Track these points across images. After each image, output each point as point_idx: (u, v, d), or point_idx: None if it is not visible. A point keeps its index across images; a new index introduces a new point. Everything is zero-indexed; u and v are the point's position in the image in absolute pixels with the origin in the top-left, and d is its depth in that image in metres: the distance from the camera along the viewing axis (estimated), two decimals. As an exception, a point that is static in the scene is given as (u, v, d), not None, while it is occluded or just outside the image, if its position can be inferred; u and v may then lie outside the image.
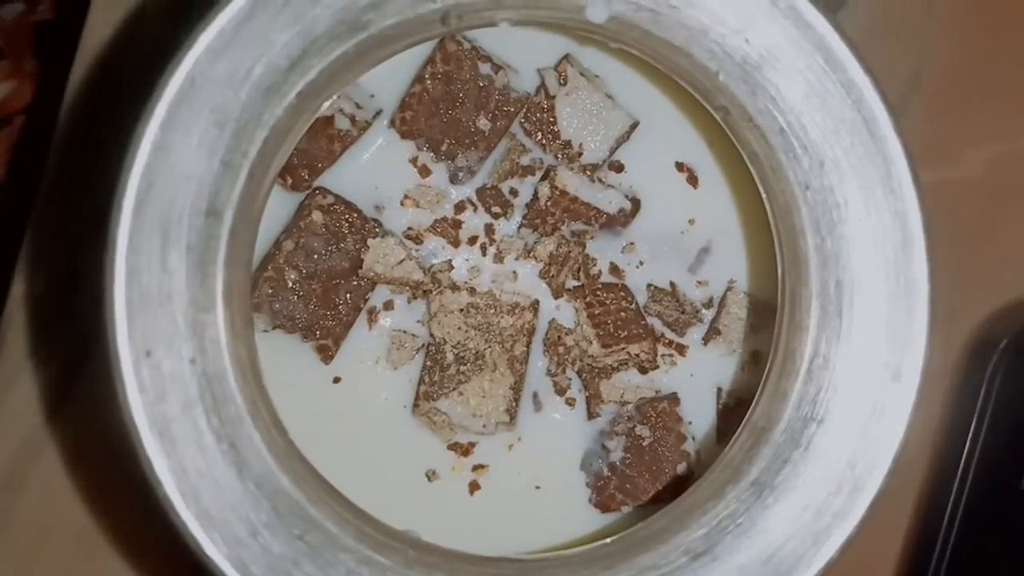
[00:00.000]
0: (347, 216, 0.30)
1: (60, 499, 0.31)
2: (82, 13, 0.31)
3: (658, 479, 0.30)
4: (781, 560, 0.26)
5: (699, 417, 0.31)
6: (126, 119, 0.25)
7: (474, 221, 0.31)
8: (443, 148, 0.30)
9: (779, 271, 0.28)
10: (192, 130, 0.25)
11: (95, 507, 0.31)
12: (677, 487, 0.30)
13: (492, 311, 0.30)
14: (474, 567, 0.27)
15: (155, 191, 0.25)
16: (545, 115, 0.30)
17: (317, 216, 0.30)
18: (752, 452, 0.26)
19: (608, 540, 0.27)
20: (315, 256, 0.30)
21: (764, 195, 0.28)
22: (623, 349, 0.30)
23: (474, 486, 0.30)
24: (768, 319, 0.29)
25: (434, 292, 0.30)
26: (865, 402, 0.26)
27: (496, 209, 0.31)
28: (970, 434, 0.31)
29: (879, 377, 0.26)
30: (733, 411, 0.30)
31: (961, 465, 0.31)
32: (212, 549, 0.25)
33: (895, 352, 0.26)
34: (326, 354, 0.30)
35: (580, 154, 0.31)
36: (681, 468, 0.30)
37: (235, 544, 0.25)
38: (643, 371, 0.31)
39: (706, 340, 0.31)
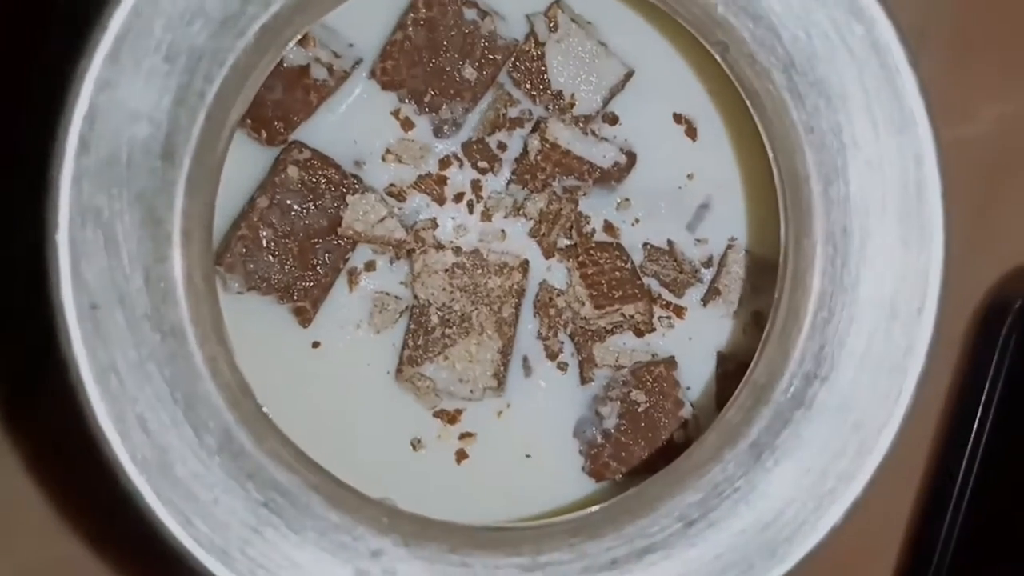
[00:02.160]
0: (325, 171, 0.29)
1: (25, 488, 0.30)
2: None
3: (654, 446, 0.29)
4: (782, 526, 0.25)
5: (697, 382, 0.30)
6: (58, 61, 0.24)
7: (460, 177, 0.30)
8: (426, 99, 0.29)
9: (782, 219, 0.27)
10: (139, 66, 0.23)
11: (65, 484, 0.30)
12: (673, 455, 0.29)
13: (479, 271, 0.29)
14: (453, 537, 0.25)
15: (100, 130, 0.23)
16: (534, 64, 0.29)
17: (293, 172, 0.29)
18: (752, 412, 0.25)
19: (595, 508, 0.26)
20: (291, 214, 0.29)
21: (766, 138, 0.26)
22: (618, 311, 0.29)
23: (461, 455, 0.30)
24: (771, 278, 0.28)
25: (418, 251, 0.29)
26: (873, 357, 0.25)
27: (483, 164, 0.30)
28: (983, 396, 0.31)
29: (888, 330, 0.25)
30: (733, 376, 0.29)
31: (975, 427, 0.30)
32: (166, 515, 0.23)
33: (906, 305, 0.25)
34: (304, 317, 0.29)
35: (572, 105, 0.30)
36: (678, 435, 0.29)
37: (193, 510, 0.24)
38: (639, 334, 0.30)
39: (705, 301, 0.30)
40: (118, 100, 0.23)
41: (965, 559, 0.30)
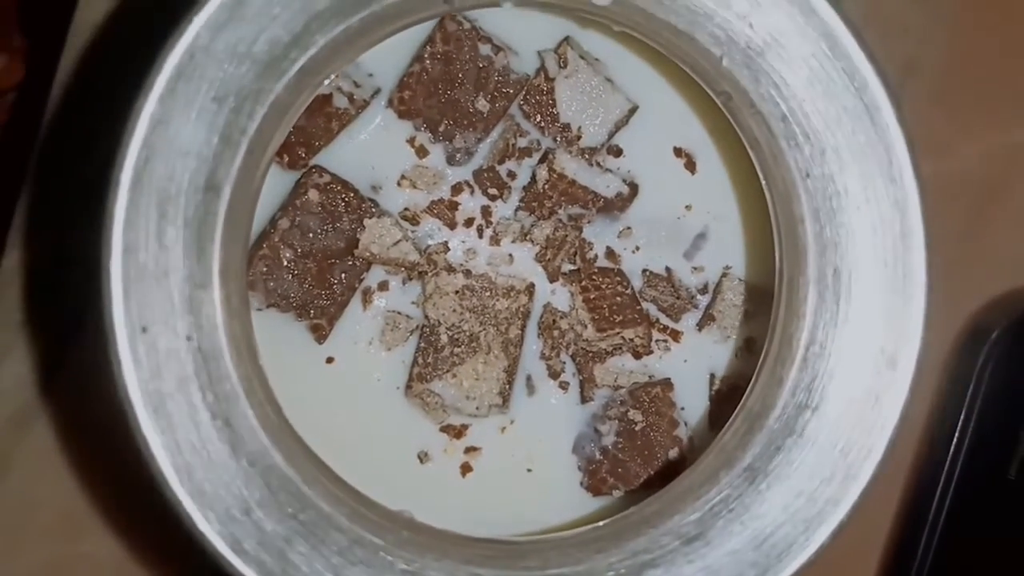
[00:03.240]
0: (343, 195, 0.30)
1: (49, 473, 0.31)
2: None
3: (650, 464, 0.30)
4: (773, 545, 0.26)
5: (692, 403, 0.31)
6: (118, 96, 0.25)
7: (471, 203, 0.31)
8: (441, 129, 0.30)
9: (777, 258, 0.28)
10: (191, 104, 0.25)
11: (85, 481, 0.31)
12: (668, 472, 0.30)
13: (487, 293, 0.30)
14: (466, 548, 0.27)
15: (153, 165, 0.25)
16: (544, 97, 0.30)
17: (313, 195, 0.30)
18: (746, 438, 0.27)
19: (601, 523, 0.27)
20: (311, 235, 0.30)
21: (764, 182, 0.28)
22: (618, 334, 0.30)
23: (466, 468, 0.31)
24: (763, 306, 0.29)
25: (430, 273, 0.30)
26: (860, 390, 0.27)
27: (493, 191, 0.31)
28: (960, 422, 0.31)
29: (874, 365, 0.26)
30: (726, 397, 0.30)
31: (951, 452, 0.31)
32: (205, 526, 0.25)
33: (891, 341, 0.26)
34: (320, 334, 0.30)
35: (579, 137, 0.31)
36: (673, 453, 0.30)
37: (228, 521, 0.25)
38: (637, 356, 0.31)
39: (700, 326, 0.31)
40: (170, 137, 0.25)
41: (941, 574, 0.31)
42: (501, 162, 0.31)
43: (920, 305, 0.26)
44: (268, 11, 0.25)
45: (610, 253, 0.31)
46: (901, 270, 0.26)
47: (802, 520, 0.26)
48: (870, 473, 0.26)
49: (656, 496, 0.27)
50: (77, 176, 0.31)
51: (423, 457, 0.31)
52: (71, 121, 0.31)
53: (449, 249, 0.30)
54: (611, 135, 0.30)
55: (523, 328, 0.30)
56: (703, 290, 0.31)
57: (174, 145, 0.25)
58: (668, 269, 0.31)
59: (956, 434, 0.31)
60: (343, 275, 0.30)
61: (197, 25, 0.25)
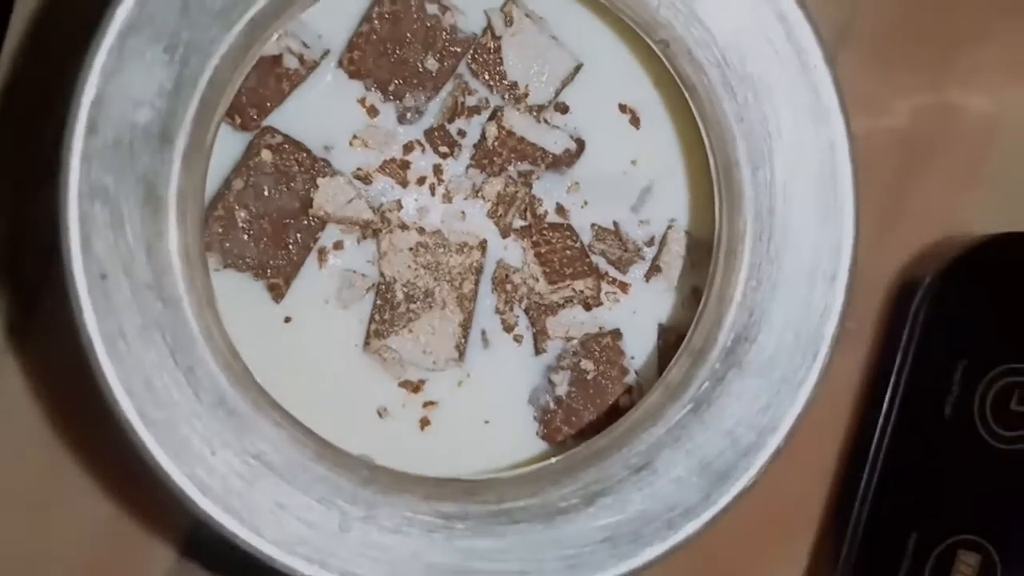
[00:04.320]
0: (296, 155, 0.30)
1: (24, 419, 0.31)
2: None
3: (601, 411, 0.31)
4: (715, 471, 0.27)
5: (641, 352, 0.32)
6: (68, 65, 0.25)
7: (422, 161, 0.31)
8: (391, 88, 0.31)
9: (716, 200, 0.29)
10: (142, 55, 0.25)
11: (59, 426, 0.31)
12: (619, 418, 0.31)
13: (441, 250, 0.31)
14: (426, 487, 0.27)
15: (107, 116, 0.25)
16: (492, 56, 0.31)
17: (266, 155, 0.30)
18: (690, 372, 0.28)
19: (553, 460, 0.28)
20: (265, 195, 0.30)
21: (702, 128, 0.29)
22: (568, 286, 0.31)
23: (425, 422, 0.31)
24: (706, 256, 0.30)
25: (384, 231, 0.31)
26: (794, 321, 0.28)
27: (444, 149, 0.31)
28: (896, 366, 0.32)
29: (808, 298, 0.28)
30: (673, 346, 0.31)
31: (888, 394, 0.32)
32: (171, 466, 0.25)
33: (822, 274, 0.28)
34: (277, 293, 0.31)
35: (526, 95, 0.31)
36: (624, 400, 0.31)
37: (193, 462, 0.25)
38: (587, 308, 0.31)
39: (648, 277, 0.32)
40: (123, 87, 0.25)
41: (881, 511, 0.32)
42: (451, 120, 0.31)
43: (849, 236, 0.27)
44: (216, -37, 0.26)
45: (559, 208, 0.31)
46: (831, 205, 0.27)
47: (743, 446, 0.27)
48: (804, 400, 0.27)
49: (605, 432, 0.28)
50: (34, 139, 0.31)
51: (382, 412, 0.31)
52: (22, 93, 0.31)
53: (402, 207, 0.31)
54: (558, 92, 0.31)
55: (477, 283, 0.31)
56: (649, 243, 0.32)
57: (127, 95, 0.25)
58: (615, 223, 0.32)
59: (893, 378, 0.32)
60: (298, 235, 0.31)
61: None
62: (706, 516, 0.27)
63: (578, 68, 0.31)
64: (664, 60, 0.29)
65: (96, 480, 0.31)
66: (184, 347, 0.26)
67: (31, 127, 0.31)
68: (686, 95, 0.29)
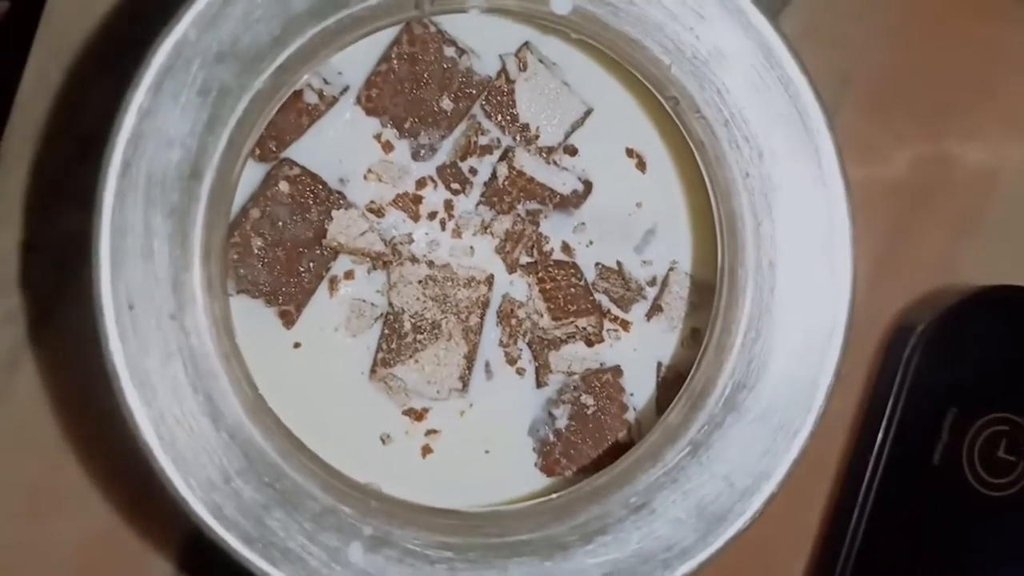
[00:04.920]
0: (312, 187, 0.31)
1: (35, 423, 0.32)
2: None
3: (600, 446, 0.32)
4: (712, 513, 0.28)
5: (640, 389, 0.32)
6: (85, 101, 0.26)
7: (434, 197, 0.32)
8: (406, 126, 0.31)
9: (719, 251, 0.30)
10: (177, 98, 0.26)
11: (67, 435, 0.32)
12: (617, 453, 0.31)
13: (449, 283, 0.31)
14: (429, 517, 0.28)
15: (140, 153, 0.26)
16: (505, 98, 0.32)
17: (283, 186, 0.31)
18: (689, 416, 0.29)
19: (554, 495, 0.29)
20: (280, 225, 0.31)
21: (708, 180, 0.30)
22: (572, 323, 0.32)
23: (427, 449, 0.32)
24: (707, 298, 0.31)
25: (394, 263, 0.31)
26: (792, 372, 0.29)
27: (455, 186, 0.32)
28: (887, 411, 0.33)
29: (805, 351, 0.28)
30: (672, 384, 0.32)
31: (879, 439, 0.33)
32: (188, 493, 0.26)
33: (820, 329, 0.28)
34: (288, 319, 0.31)
35: (537, 137, 0.32)
36: (622, 435, 0.32)
37: (209, 488, 0.26)
38: (589, 344, 0.32)
39: (649, 316, 0.32)
40: (157, 127, 0.26)
41: (870, 553, 0.33)
42: (463, 159, 0.32)
43: (846, 294, 0.28)
44: (251, 12, 0.27)
45: (565, 247, 0.32)
46: (829, 262, 0.28)
47: (738, 490, 0.28)
48: (800, 448, 0.28)
49: (605, 471, 0.29)
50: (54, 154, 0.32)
51: (385, 439, 0.32)
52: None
53: (413, 240, 0.32)
54: (567, 135, 0.32)
55: (482, 316, 0.32)
56: (651, 283, 0.32)
57: (160, 135, 0.26)
58: (619, 263, 0.32)
59: (884, 422, 0.33)
60: (311, 264, 0.31)
61: (184, 23, 0.26)
62: (701, 557, 0.28)
63: (588, 113, 0.32)
64: (673, 115, 0.30)
65: (98, 490, 0.32)
66: (203, 376, 0.27)
67: (47, 142, 0.32)
68: (693, 148, 0.30)
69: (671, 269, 0.32)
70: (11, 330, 0.32)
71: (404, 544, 0.27)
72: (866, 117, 0.34)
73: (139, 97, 0.26)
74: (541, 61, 0.32)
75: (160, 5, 0.27)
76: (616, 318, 0.32)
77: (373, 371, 0.32)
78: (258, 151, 0.31)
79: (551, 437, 0.32)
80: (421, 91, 0.31)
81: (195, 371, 0.26)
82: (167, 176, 0.26)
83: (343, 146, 0.31)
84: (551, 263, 0.32)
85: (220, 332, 0.27)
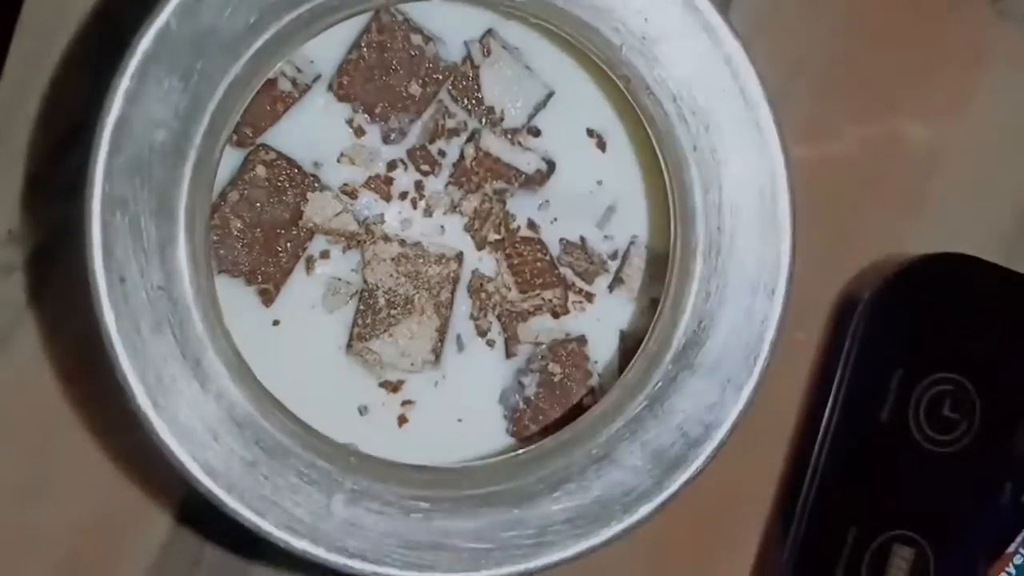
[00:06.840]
0: (288, 171, 0.32)
1: (31, 386, 0.33)
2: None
3: (566, 409, 0.33)
4: (667, 460, 0.30)
5: (603, 356, 0.33)
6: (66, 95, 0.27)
7: (405, 178, 0.33)
8: (377, 111, 0.32)
9: (671, 220, 0.31)
10: (161, 83, 0.27)
11: (64, 399, 0.33)
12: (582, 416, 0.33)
13: (421, 261, 0.32)
14: (406, 473, 0.30)
15: (127, 135, 0.27)
16: (470, 83, 0.32)
17: (260, 170, 0.32)
18: (646, 373, 0.30)
19: (521, 451, 0.31)
20: (258, 207, 0.32)
21: (660, 154, 0.31)
22: (538, 295, 0.33)
23: (402, 419, 0.33)
24: (664, 270, 0.32)
25: (368, 242, 0.32)
26: (739, 328, 0.30)
27: (425, 168, 0.33)
28: (837, 375, 0.34)
29: (751, 307, 0.30)
30: (633, 351, 0.33)
31: (830, 401, 0.34)
32: (180, 451, 0.27)
33: (764, 287, 0.30)
34: (267, 298, 0.32)
35: (502, 119, 0.33)
36: (587, 401, 0.33)
37: (200, 447, 0.28)
38: (555, 315, 0.33)
39: (611, 288, 0.33)
40: (142, 110, 0.27)
41: (823, 508, 0.34)
42: (432, 141, 0.33)
43: (786, 254, 0.30)
44: (228, 2, 0.28)
45: (531, 224, 0.33)
46: (771, 225, 0.30)
47: (691, 439, 0.30)
48: (746, 399, 0.30)
49: (569, 427, 0.31)
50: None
51: (363, 410, 0.33)
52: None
53: (385, 220, 0.33)
54: (530, 117, 0.33)
55: (453, 291, 0.33)
56: (613, 256, 0.33)
57: (146, 117, 0.27)
58: (582, 238, 0.33)
59: (835, 384, 0.34)
60: (288, 244, 0.32)
61: (167, 13, 0.27)
62: (658, 500, 0.29)
63: (550, 95, 0.33)
64: (627, 93, 0.31)
65: (97, 451, 0.33)
66: (191, 345, 0.28)
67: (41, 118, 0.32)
68: (645, 124, 0.31)
69: (631, 243, 0.33)
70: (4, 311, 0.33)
71: (383, 497, 0.29)
72: (818, 101, 0.35)
73: (124, 82, 0.27)
74: (504, 47, 0.33)
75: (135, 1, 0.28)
76: (580, 290, 0.33)
77: (350, 346, 0.33)
78: (235, 137, 0.32)
79: (521, 404, 0.33)
80: (390, 78, 0.32)
81: (183, 338, 0.28)
82: (153, 156, 0.27)
83: (317, 131, 0.32)
84: (518, 239, 0.33)
85: (205, 303, 0.28)
